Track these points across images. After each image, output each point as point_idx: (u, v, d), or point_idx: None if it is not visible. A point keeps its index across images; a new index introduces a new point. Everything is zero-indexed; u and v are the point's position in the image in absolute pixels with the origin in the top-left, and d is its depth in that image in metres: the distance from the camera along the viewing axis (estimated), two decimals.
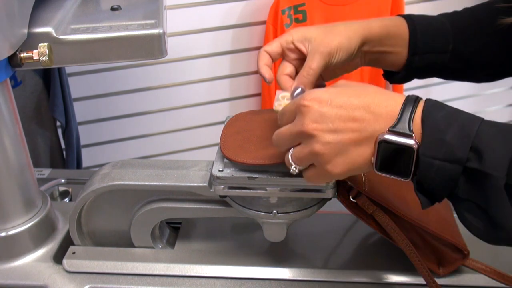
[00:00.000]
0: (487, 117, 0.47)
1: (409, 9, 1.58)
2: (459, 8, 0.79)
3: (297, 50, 0.66)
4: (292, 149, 0.51)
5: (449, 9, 0.81)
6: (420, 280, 0.63)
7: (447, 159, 0.44)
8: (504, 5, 0.68)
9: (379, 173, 0.48)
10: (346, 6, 1.49)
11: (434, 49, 0.72)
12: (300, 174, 0.53)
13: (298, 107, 0.50)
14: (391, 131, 0.46)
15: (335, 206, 0.63)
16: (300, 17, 1.49)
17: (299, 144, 0.51)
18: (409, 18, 0.72)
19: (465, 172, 0.44)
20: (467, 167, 0.44)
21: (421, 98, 0.48)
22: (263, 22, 1.52)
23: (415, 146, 0.45)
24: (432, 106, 0.46)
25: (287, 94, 0.63)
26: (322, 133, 0.48)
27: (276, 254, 0.68)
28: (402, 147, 0.46)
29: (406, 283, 0.64)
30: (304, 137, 0.49)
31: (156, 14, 0.66)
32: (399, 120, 0.46)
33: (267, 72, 0.66)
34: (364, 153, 0.48)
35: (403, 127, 0.46)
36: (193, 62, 1.55)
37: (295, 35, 0.66)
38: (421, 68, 0.72)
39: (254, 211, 0.62)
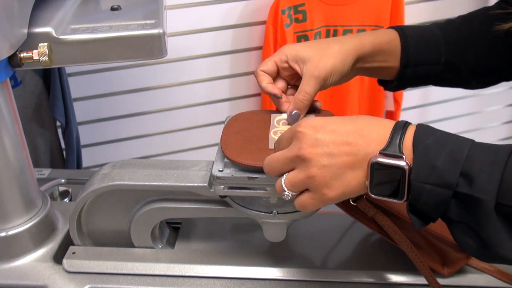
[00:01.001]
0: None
1: (409, 9, 1.58)
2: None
3: (291, 68, 0.67)
4: (285, 175, 0.52)
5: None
6: (420, 280, 0.63)
7: (437, 184, 0.45)
8: (500, 11, 0.68)
9: (374, 196, 0.49)
10: (346, 6, 1.49)
11: (426, 62, 0.73)
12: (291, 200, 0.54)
13: (294, 134, 0.52)
14: (382, 153, 0.47)
15: (335, 206, 0.63)
16: (300, 17, 1.49)
17: (292, 170, 0.52)
18: (402, 31, 0.72)
19: (455, 196, 0.45)
20: (457, 192, 0.45)
21: (410, 123, 0.49)
22: (263, 22, 1.52)
23: (406, 167, 0.47)
24: (423, 132, 0.48)
25: (283, 117, 0.66)
26: (318, 157, 0.49)
27: (276, 254, 0.68)
28: (393, 169, 0.47)
29: (406, 283, 0.64)
30: (299, 161, 0.51)
31: (156, 14, 0.66)
32: (389, 143, 0.48)
33: (274, 89, 0.68)
34: (358, 176, 0.49)
35: (394, 149, 0.47)
36: (193, 62, 1.55)
37: (290, 55, 0.67)
38: (414, 78, 0.74)
39: (254, 211, 0.62)
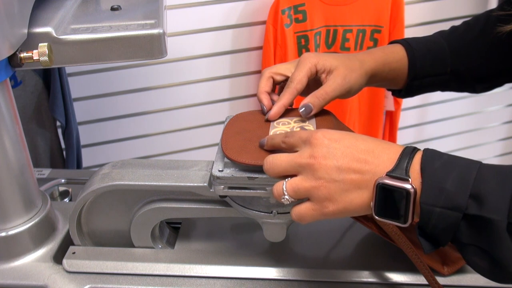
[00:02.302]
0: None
1: (409, 9, 1.58)
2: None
3: (315, 80, 0.68)
4: (288, 179, 0.52)
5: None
6: (420, 280, 0.63)
7: (447, 207, 0.45)
8: (502, 12, 0.68)
9: (378, 219, 0.49)
10: (346, 6, 1.49)
11: (433, 74, 0.75)
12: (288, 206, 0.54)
13: (309, 137, 0.51)
14: (389, 175, 0.48)
15: None
16: (300, 17, 1.49)
17: (295, 175, 0.52)
18: (409, 45, 0.74)
19: (465, 218, 0.45)
20: (467, 214, 0.45)
21: (418, 149, 0.50)
22: (263, 22, 1.52)
23: (411, 190, 0.47)
24: (430, 156, 0.48)
25: (283, 119, 0.65)
26: (328, 169, 0.49)
27: (276, 254, 0.68)
28: (398, 191, 0.47)
29: (406, 283, 0.64)
30: (307, 169, 0.50)
31: (156, 14, 0.66)
32: (396, 166, 0.48)
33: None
34: (363, 196, 0.49)
35: (400, 172, 0.47)
36: (193, 62, 1.55)
37: (319, 65, 0.67)
38: (421, 88, 0.76)
39: (254, 211, 0.62)
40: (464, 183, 0.45)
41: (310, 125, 0.63)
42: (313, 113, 0.64)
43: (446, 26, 0.80)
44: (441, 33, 0.78)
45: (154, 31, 0.62)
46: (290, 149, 0.54)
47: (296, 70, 0.66)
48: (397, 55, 0.74)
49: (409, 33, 1.58)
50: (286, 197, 0.52)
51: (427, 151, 0.48)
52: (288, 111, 0.68)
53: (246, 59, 1.60)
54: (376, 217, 0.49)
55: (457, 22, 0.78)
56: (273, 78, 0.69)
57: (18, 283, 0.64)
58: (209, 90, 1.62)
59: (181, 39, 1.49)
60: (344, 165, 0.49)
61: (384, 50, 0.74)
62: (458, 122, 1.93)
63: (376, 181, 0.48)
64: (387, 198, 0.48)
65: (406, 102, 1.75)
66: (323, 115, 0.66)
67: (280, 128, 0.64)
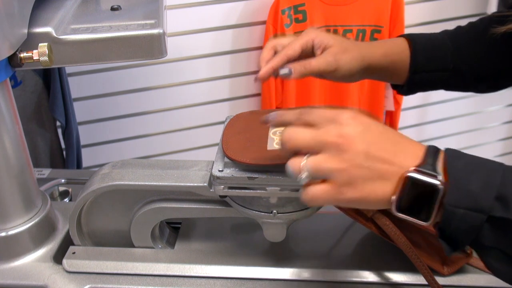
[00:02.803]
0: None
1: (409, 9, 1.58)
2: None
3: (310, 53, 0.69)
4: (308, 155, 0.48)
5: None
6: (420, 280, 0.63)
7: (470, 208, 0.44)
8: (498, 14, 0.69)
9: (398, 214, 0.46)
10: (346, 6, 1.49)
11: (434, 69, 0.74)
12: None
13: (335, 116, 0.48)
14: (418, 170, 0.45)
15: (335, 206, 0.63)
16: (300, 17, 1.49)
17: (316, 153, 0.47)
18: (412, 39, 0.74)
19: (490, 220, 0.44)
20: (492, 216, 0.43)
21: (440, 149, 0.48)
22: (263, 22, 1.52)
23: (441, 187, 0.44)
24: (453, 155, 0.46)
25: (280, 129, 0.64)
26: (356, 153, 0.46)
27: (276, 254, 0.68)
28: (427, 187, 0.45)
29: (406, 283, 0.64)
30: (334, 148, 0.46)
31: (156, 14, 0.66)
32: (424, 161, 0.46)
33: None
34: (385, 188, 0.46)
35: (429, 168, 0.45)
36: (193, 62, 1.55)
37: (316, 40, 0.68)
38: (422, 84, 0.76)
39: (254, 211, 0.62)
40: (490, 184, 0.44)
41: None
42: (292, 77, 0.65)
43: (446, 26, 0.80)
44: (445, 31, 0.78)
45: (154, 31, 0.62)
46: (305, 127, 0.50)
47: (293, 40, 0.68)
48: (398, 48, 0.73)
49: None
50: (305, 174, 0.47)
51: (449, 151, 0.47)
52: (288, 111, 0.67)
53: (246, 59, 1.60)
54: (396, 213, 0.46)
55: (457, 22, 0.79)
56: (275, 48, 0.69)
57: (18, 283, 0.64)
58: (209, 90, 1.62)
59: (181, 39, 1.49)
60: (373, 152, 0.46)
61: (386, 42, 0.75)
62: (458, 122, 1.93)
63: (403, 174, 0.45)
64: (413, 193, 0.45)
65: (406, 102, 1.74)
66: None
67: (280, 128, 0.63)
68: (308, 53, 0.68)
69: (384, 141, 0.47)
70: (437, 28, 0.79)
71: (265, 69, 0.66)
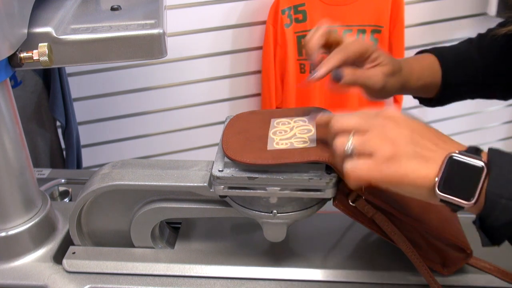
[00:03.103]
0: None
1: (409, 9, 1.58)
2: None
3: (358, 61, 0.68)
4: (353, 132, 0.50)
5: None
6: (420, 280, 0.63)
7: None
8: (503, 14, 0.70)
9: (441, 194, 0.47)
10: (346, 6, 1.49)
11: (464, 83, 0.77)
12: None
13: (379, 112, 0.51)
14: (462, 152, 0.47)
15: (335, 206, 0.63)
16: (300, 17, 1.49)
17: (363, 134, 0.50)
18: (442, 58, 0.76)
19: None
20: None
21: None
22: (263, 22, 1.53)
23: (485, 168, 0.45)
24: (497, 151, 0.47)
25: (282, 119, 0.65)
26: (404, 135, 0.48)
27: (276, 254, 0.68)
28: (471, 167, 0.46)
29: (406, 283, 0.64)
30: (379, 127, 0.50)
31: (156, 14, 0.66)
32: (467, 149, 0.48)
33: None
34: (428, 169, 0.47)
35: (473, 152, 0.47)
36: (193, 62, 1.55)
37: (375, 55, 0.68)
38: (451, 98, 0.79)
39: (254, 211, 0.62)
40: None
41: (310, 125, 0.63)
42: (342, 82, 0.64)
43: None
44: (469, 41, 0.79)
45: (154, 31, 0.62)
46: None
47: (351, 43, 0.67)
48: (431, 70, 0.76)
49: (409, 33, 1.58)
50: (349, 144, 0.49)
51: (491, 149, 0.48)
52: (288, 111, 0.68)
53: (246, 59, 1.60)
54: (440, 192, 0.46)
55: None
56: (327, 38, 0.67)
57: (18, 283, 0.64)
58: (209, 90, 1.62)
59: (181, 39, 1.49)
60: (417, 137, 0.48)
61: (420, 64, 0.75)
62: (458, 122, 1.93)
63: (448, 155, 0.47)
64: (456, 173, 0.46)
65: (406, 102, 1.74)
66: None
67: (280, 128, 0.64)
68: (356, 61, 0.68)
69: (428, 132, 0.50)
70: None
71: (323, 71, 0.64)
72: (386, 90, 0.69)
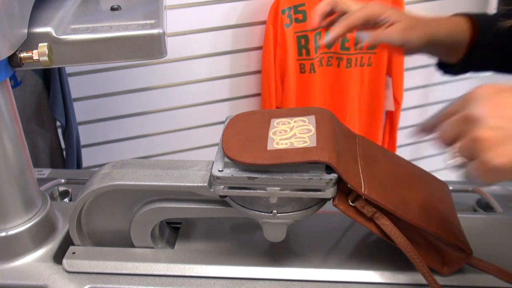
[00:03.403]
0: None
1: (409, 9, 1.58)
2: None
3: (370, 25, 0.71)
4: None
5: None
6: (420, 280, 0.63)
7: None
8: (505, 7, 0.69)
9: None
10: None
11: (491, 47, 0.74)
12: None
13: (468, 95, 0.47)
14: None
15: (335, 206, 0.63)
16: (300, 17, 1.49)
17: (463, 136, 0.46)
18: (474, 19, 0.76)
19: None
20: None
21: None
22: (263, 22, 1.52)
23: None
24: None
25: (282, 119, 0.65)
26: (489, 117, 0.44)
27: (276, 254, 0.68)
28: None
29: (406, 283, 0.64)
30: (467, 122, 0.45)
31: (156, 14, 0.66)
32: None
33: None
34: None
35: None
36: (193, 62, 1.55)
37: (384, 15, 0.70)
38: (476, 63, 0.76)
39: (254, 211, 0.62)
40: None
41: (310, 125, 0.63)
42: (366, 41, 0.67)
43: None
44: (501, 9, 0.79)
45: (154, 31, 0.62)
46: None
47: (359, 9, 0.69)
48: (461, 27, 0.75)
49: None
50: (452, 161, 0.47)
51: None
52: (288, 111, 0.68)
53: (246, 59, 1.60)
54: None
55: None
56: (334, 5, 0.70)
57: (18, 283, 0.64)
58: (209, 90, 1.62)
59: (181, 39, 1.49)
60: (511, 113, 0.44)
61: (450, 21, 0.76)
62: None
63: None
64: None
65: (406, 102, 1.75)
66: (323, 115, 0.66)
67: (280, 127, 0.64)
68: (369, 26, 0.69)
69: None
70: None
71: (332, 36, 0.67)
72: (411, 44, 0.70)
